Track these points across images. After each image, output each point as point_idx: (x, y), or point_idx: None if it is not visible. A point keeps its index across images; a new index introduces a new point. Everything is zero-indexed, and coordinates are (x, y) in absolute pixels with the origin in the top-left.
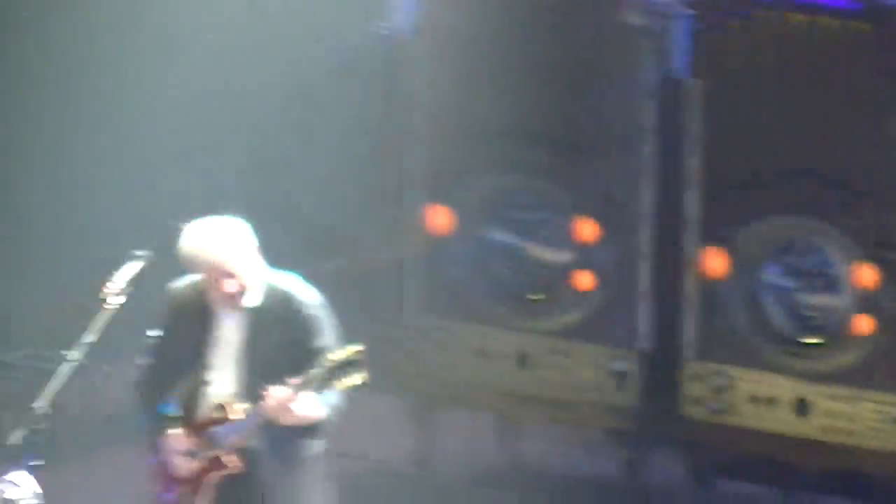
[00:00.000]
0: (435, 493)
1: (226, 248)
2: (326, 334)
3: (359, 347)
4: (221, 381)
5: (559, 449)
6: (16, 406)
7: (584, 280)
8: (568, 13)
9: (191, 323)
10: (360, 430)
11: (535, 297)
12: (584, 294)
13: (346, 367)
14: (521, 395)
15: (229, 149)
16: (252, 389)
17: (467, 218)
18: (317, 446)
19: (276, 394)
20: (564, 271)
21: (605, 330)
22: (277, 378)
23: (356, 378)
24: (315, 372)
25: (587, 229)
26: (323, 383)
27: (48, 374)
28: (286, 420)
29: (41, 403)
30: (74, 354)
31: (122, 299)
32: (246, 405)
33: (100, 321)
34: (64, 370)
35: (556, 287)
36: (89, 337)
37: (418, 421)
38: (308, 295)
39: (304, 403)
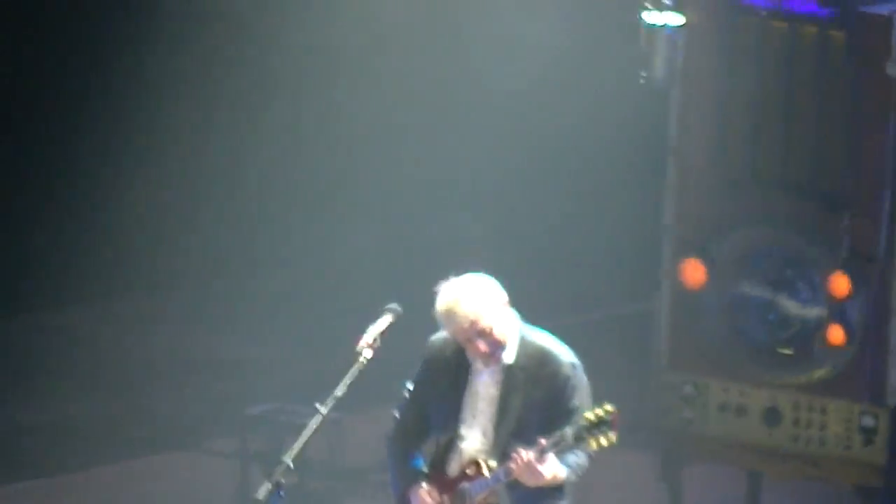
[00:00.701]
0: None
1: (477, 308)
2: (580, 395)
3: (611, 408)
4: (473, 437)
5: None
6: (264, 460)
7: (836, 335)
8: (829, 62)
9: (447, 376)
10: (607, 485)
11: (785, 352)
12: (835, 349)
13: (598, 427)
14: (769, 450)
15: (481, 202)
16: (503, 446)
17: (720, 271)
18: (561, 501)
19: (525, 454)
20: (816, 326)
21: (854, 385)
22: (528, 435)
23: (607, 438)
24: (568, 432)
25: (840, 284)
26: (575, 444)
27: (297, 428)
28: (532, 481)
29: (289, 457)
30: (324, 408)
31: (371, 353)
32: (496, 462)
33: (350, 375)
34: (312, 424)
35: (808, 342)
36: (339, 390)
37: (666, 476)
38: (564, 354)
39: (551, 465)
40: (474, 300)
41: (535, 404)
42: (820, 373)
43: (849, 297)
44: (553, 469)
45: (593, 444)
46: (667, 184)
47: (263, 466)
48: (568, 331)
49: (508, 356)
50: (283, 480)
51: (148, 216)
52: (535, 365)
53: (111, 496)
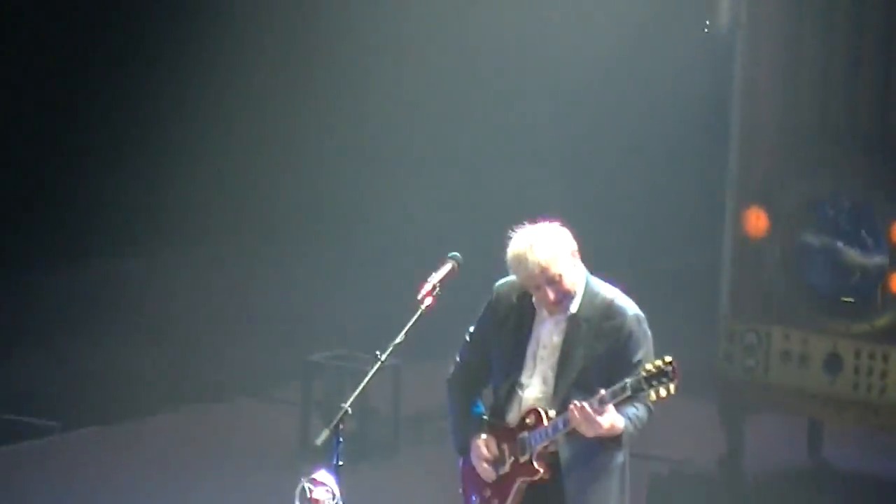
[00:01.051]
0: (741, 494)
1: (548, 255)
2: (643, 349)
3: (670, 359)
4: (533, 385)
5: (867, 453)
6: (324, 407)
7: None
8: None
9: (511, 322)
10: (668, 432)
11: (847, 300)
12: None
13: (658, 378)
14: (830, 397)
15: (552, 154)
16: (563, 396)
17: (783, 220)
18: (620, 457)
19: (585, 404)
20: (878, 275)
21: None
22: (589, 386)
23: (667, 389)
24: (628, 383)
25: None
26: (634, 395)
27: (357, 375)
28: (590, 432)
29: (348, 404)
30: (384, 355)
31: (432, 301)
32: (555, 412)
33: (410, 322)
34: (372, 371)
35: (869, 290)
36: (399, 338)
37: (727, 424)
38: (629, 307)
39: (610, 415)
40: (546, 247)
41: (597, 356)
42: (881, 321)
43: None
44: (611, 419)
45: (653, 395)
46: (731, 133)
47: (323, 413)
48: (632, 280)
49: (573, 306)
50: (342, 427)
51: (215, 167)
52: (600, 317)
53: (173, 444)
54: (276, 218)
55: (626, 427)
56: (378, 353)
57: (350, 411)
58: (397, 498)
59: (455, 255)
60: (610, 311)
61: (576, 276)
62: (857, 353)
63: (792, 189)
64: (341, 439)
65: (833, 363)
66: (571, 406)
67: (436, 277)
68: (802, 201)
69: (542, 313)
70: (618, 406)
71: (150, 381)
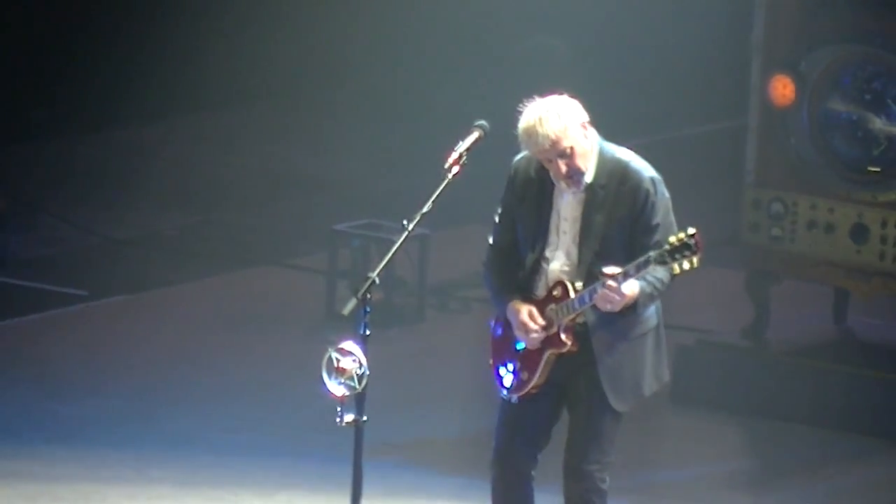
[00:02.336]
0: (765, 364)
1: (558, 128)
2: (662, 211)
3: (693, 231)
4: (558, 258)
5: (892, 322)
6: (350, 276)
7: None
8: None
9: (532, 196)
10: (694, 302)
11: (873, 170)
12: None
13: (681, 251)
14: (856, 267)
15: (569, 24)
16: (587, 266)
17: (809, 89)
18: (654, 319)
19: (613, 283)
20: None
21: None
22: (612, 253)
23: (690, 262)
24: (651, 257)
25: None
26: (659, 266)
27: (384, 244)
28: (616, 307)
29: (375, 273)
30: (410, 224)
31: (459, 170)
32: (581, 283)
33: (438, 191)
34: (399, 240)
35: None
36: (426, 207)
37: (753, 293)
38: (644, 169)
39: (628, 285)
40: (555, 120)
41: (617, 221)
42: None
43: None
44: (629, 287)
45: (676, 269)
46: (756, 0)
47: (350, 282)
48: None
49: (588, 175)
50: (369, 296)
51: (234, 31)
52: (616, 182)
53: (199, 313)
54: (301, 82)
55: (642, 289)
56: (405, 222)
57: (377, 281)
58: (423, 367)
59: (482, 124)
60: (626, 176)
61: (588, 147)
62: (884, 222)
63: (819, 56)
64: (368, 309)
65: (859, 232)
66: (600, 283)
67: (463, 146)
68: (829, 69)
69: (561, 185)
70: (640, 277)
71: (172, 251)
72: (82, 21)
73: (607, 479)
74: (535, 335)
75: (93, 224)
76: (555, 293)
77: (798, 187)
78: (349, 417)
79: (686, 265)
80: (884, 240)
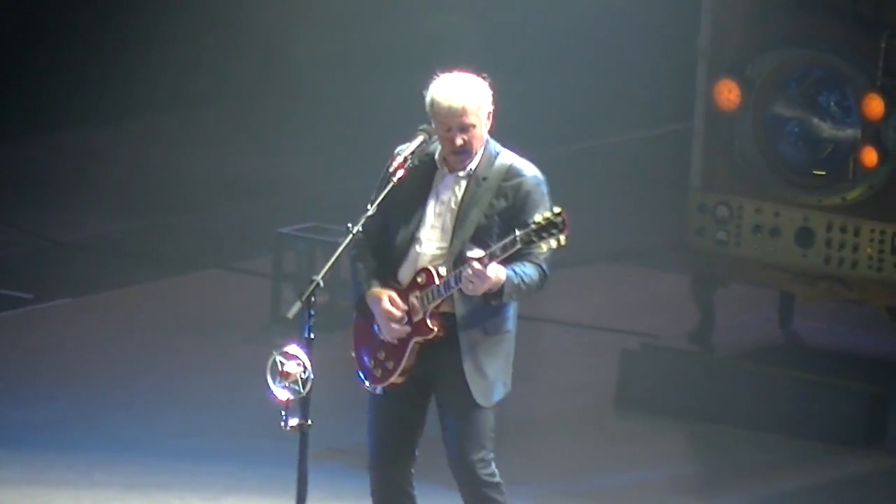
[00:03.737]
0: (710, 368)
1: (474, 101)
2: (541, 210)
3: (559, 210)
4: (431, 241)
5: (838, 327)
6: (295, 279)
7: (869, 157)
8: None
9: (412, 183)
10: (639, 306)
11: (819, 173)
12: (869, 171)
13: (548, 230)
14: (802, 271)
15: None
16: (458, 251)
17: (755, 92)
18: (509, 324)
19: (476, 264)
20: (850, 147)
21: (888, 207)
22: (485, 243)
23: (557, 241)
24: (518, 236)
25: (874, 105)
26: (525, 247)
27: (328, 247)
28: (479, 289)
29: (320, 276)
30: (355, 227)
31: (403, 173)
32: (446, 270)
33: (382, 194)
34: (344, 243)
35: (841, 163)
36: (370, 209)
37: (698, 297)
38: (528, 168)
39: (494, 268)
40: (475, 94)
41: (495, 214)
42: (853, 194)
43: (883, 118)
44: (495, 270)
45: (543, 247)
46: (702, 4)
47: (295, 285)
48: (604, 151)
49: (472, 163)
50: (314, 299)
51: (180, 34)
52: (499, 177)
53: (144, 316)
54: (243, 86)
55: (509, 277)
56: (350, 224)
57: (322, 284)
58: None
59: (426, 127)
60: (509, 173)
61: (483, 135)
62: (829, 226)
63: (764, 61)
64: (313, 312)
65: (804, 236)
66: (465, 266)
67: (407, 149)
68: (775, 73)
69: (443, 170)
70: (507, 261)
71: (115, 254)
72: (32, 23)
73: (496, 472)
74: (396, 325)
75: (40, 227)
76: (419, 280)
77: (743, 191)
78: (294, 422)
79: (553, 243)
80: (829, 243)
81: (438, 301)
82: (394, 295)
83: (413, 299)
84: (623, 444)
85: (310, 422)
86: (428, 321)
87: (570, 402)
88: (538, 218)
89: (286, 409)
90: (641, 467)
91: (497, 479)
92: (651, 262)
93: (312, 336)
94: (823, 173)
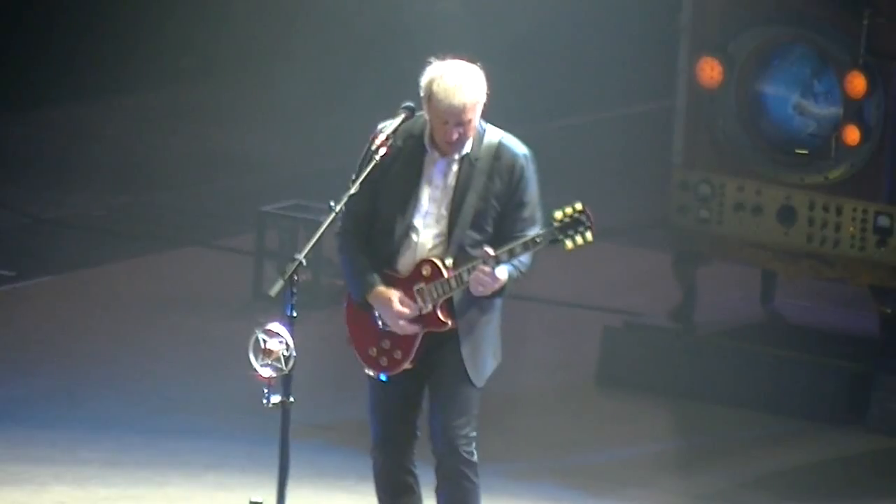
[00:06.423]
0: (692, 346)
1: (473, 99)
2: (532, 188)
3: (581, 206)
4: (428, 228)
5: (820, 305)
6: (278, 257)
7: (852, 135)
8: None
9: (400, 165)
10: (621, 284)
11: (801, 151)
12: (851, 149)
13: (573, 227)
14: (784, 249)
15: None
16: (458, 239)
17: (737, 70)
18: (498, 301)
19: (486, 268)
20: (832, 126)
21: (870, 185)
22: (483, 228)
23: (584, 238)
24: (542, 235)
25: (857, 83)
26: (550, 245)
27: (311, 226)
28: (482, 292)
29: (302, 255)
30: (337, 206)
31: (385, 151)
32: (451, 259)
33: (365, 172)
34: (326, 221)
35: (824, 141)
36: (353, 188)
37: (680, 275)
38: (517, 146)
39: (501, 272)
40: (475, 90)
41: (490, 195)
42: (835, 172)
43: (866, 96)
44: (501, 273)
45: (569, 245)
46: None
47: (277, 263)
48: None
49: (467, 148)
50: (296, 277)
51: (165, 13)
52: (491, 157)
53: (128, 293)
54: (227, 63)
55: (510, 274)
56: (332, 203)
57: (304, 262)
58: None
59: (409, 105)
60: (500, 151)
61: (476, 124)
62: (811, 204)
63: (746, 38)
64: (295, 290)
65: (787, 215)
66: (473, 266)
67: (390, 127)
68: (757, 51)
69: (434, 154)
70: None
71: (97, 231)
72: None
73: (475, 452)
74: (405, 324)
75: (22, 204)
76: (424, 272)
77: (725, 169)
78: (276, 399)
79: (580, 241)
80: (811, 222)
81: (449, 295)
82: (402, 295)
83: (418, 291)
84: (605, 421)
85: (292, 399)
86: (439, 314)
87: (552, 380)
88: (558, 215)
89: (268, 386)
90: (623, 444)
91: (475, 458)
92: (633, 240)
93: (295, 314)
94: (806, 152)
